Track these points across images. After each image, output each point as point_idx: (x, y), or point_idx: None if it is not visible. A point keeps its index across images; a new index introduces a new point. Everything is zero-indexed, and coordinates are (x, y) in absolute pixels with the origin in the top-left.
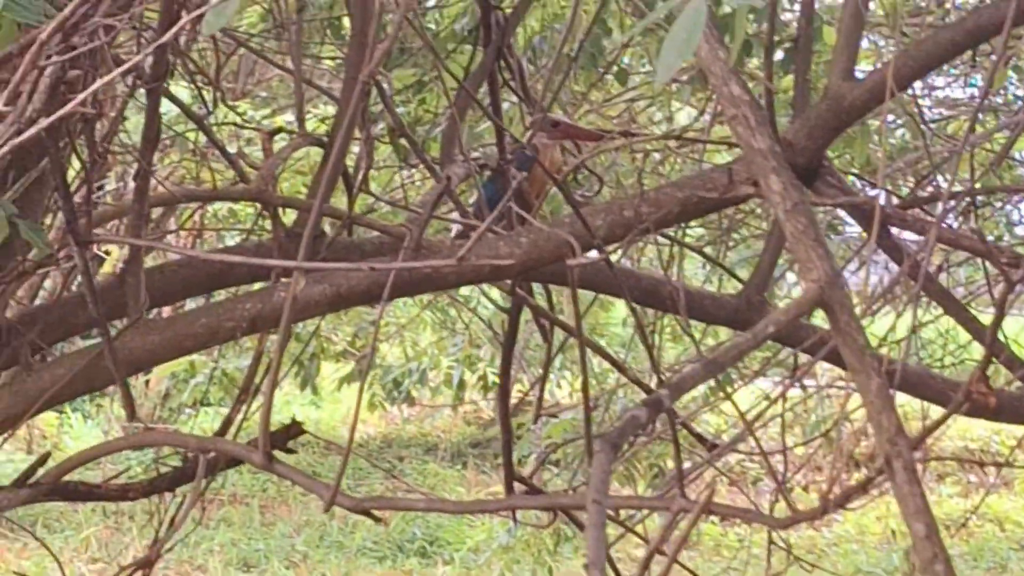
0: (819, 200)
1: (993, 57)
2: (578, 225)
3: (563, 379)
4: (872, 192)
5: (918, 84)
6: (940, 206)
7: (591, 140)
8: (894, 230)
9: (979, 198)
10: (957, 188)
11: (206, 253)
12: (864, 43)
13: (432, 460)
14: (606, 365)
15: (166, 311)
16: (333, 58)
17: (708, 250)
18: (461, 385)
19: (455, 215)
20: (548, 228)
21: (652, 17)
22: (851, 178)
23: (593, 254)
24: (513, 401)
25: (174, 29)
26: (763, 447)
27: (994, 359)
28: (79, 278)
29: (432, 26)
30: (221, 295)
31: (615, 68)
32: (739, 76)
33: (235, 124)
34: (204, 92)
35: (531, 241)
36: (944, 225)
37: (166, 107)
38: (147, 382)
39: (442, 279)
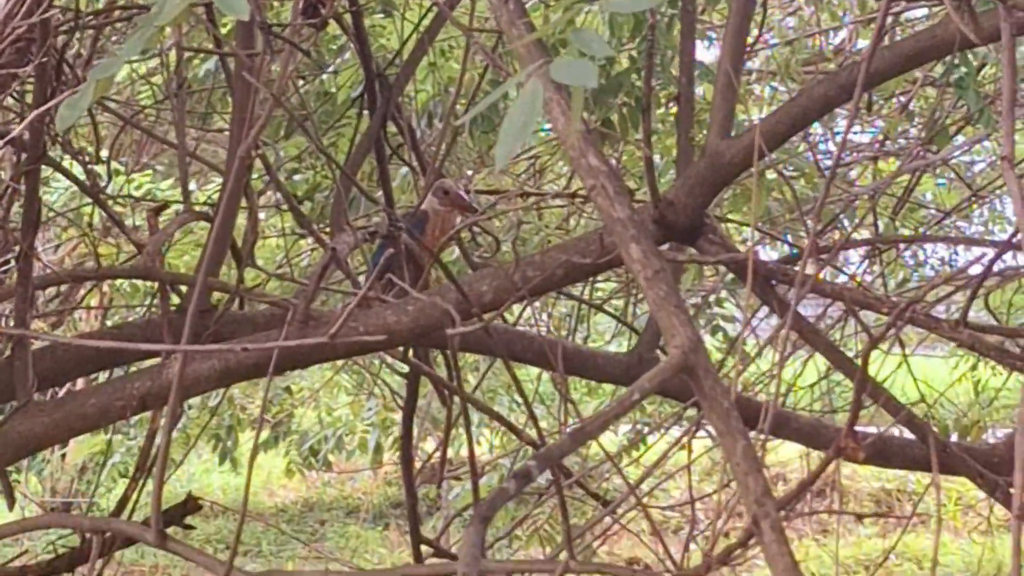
0: (702, 258)
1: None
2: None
3: (481, 436)
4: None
5: (818, 128)
6: (806, 258)
7: (469, 211)
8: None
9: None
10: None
11: (77, 339)
12: (767, 92)
13: (354, 522)
14: (523, 419)
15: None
16: (220, 130)
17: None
18: (378, 449)
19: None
20: (430, 298)
21: (497, 93)
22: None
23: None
24: (419, 465)
25: (41, 108)
26: (692, 495)
27: (874, 402)
28: None
29: (332, 90)
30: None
31: None
32: (596, 147)
33: (129, 196)
34: (96, 168)
35: (418, 309)
36: (826, 279)
37: (64, 183)
38: (63, 455)
39: (331, 350)
